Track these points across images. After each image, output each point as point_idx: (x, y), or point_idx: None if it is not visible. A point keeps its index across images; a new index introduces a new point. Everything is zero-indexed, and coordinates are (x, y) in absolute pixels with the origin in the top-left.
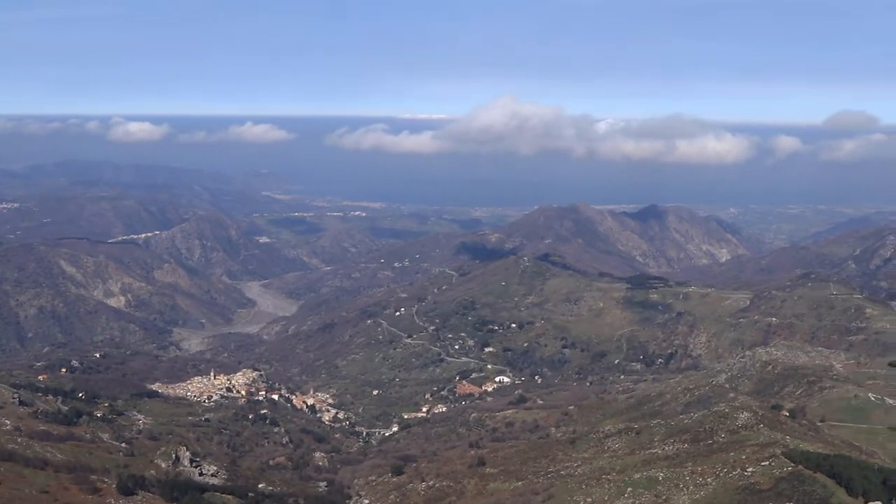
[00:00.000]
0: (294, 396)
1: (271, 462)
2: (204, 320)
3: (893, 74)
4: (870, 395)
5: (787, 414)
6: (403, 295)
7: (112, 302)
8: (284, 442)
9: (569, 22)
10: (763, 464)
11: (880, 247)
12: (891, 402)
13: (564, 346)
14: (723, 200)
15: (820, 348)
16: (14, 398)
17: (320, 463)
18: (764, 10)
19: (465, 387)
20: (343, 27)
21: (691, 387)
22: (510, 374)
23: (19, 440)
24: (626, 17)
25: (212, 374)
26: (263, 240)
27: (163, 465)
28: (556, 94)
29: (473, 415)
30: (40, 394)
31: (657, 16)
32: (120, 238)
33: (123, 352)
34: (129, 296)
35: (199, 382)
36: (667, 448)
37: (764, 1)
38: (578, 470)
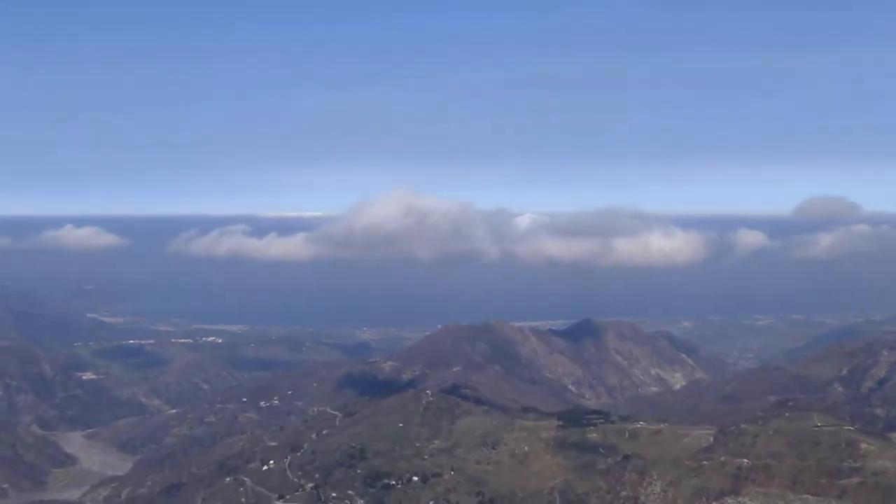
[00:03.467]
0: None
1: None
2: (6, 485)
3: (878, 152)
4: None
5: None
6: (272, 443)
7: None
8: None
9: (475, 95)
10: None
11: (872, 365)
12: None
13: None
14: (674, 312)
15: (805, 496)
16: None
17: None
18: (715, 76)
19: None
20: (187, 106)
21: None
22: None
23: None
24: (543, 87)
25: None
26: (88, 376)
27: None
28: (461, 184)
29: None
30: None
31: (582, 85)
32: None
33: None
34: None
35: None
36: None
37: (717, 66)
38: None
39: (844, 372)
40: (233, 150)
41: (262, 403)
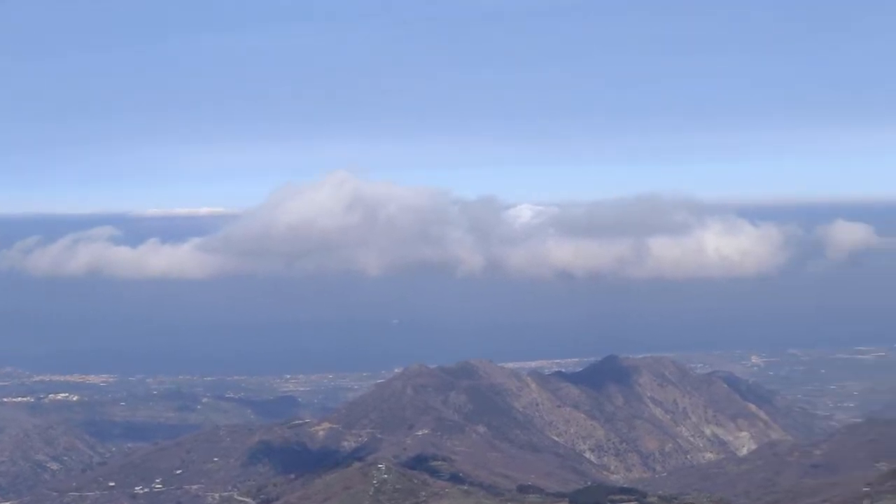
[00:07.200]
0: None
1: None
2: None
3: None
4: None
5: None
6: None
7: None
8: None
9: (450, 31)
10: None
11: None
12: None
13: None
14: (738, 343)
15: None
16: None
17: None
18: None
19: None
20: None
21: None
22: None
23: None
24: (548, 15)
25: None
26: None
27: None
28: (430, 163)
29: None
30: None
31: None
32: None
33: None
34: None
35: None
36: None
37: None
38: None
39: None
40: (91, 115)
41: (137, 489)
